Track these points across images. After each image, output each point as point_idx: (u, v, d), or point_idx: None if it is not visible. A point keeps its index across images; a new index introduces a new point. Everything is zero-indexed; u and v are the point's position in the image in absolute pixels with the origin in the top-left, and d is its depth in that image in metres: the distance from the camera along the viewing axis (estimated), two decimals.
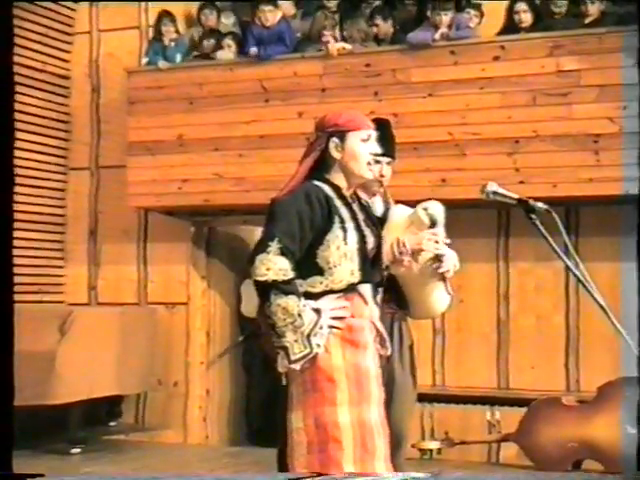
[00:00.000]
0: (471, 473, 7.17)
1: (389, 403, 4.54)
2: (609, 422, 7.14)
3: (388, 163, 4.74)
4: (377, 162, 4.57)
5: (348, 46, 7.89)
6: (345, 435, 3.63)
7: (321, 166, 3.86)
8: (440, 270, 4.44)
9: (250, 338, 8.49)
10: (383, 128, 4.71)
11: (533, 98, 7.40)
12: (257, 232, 9.05)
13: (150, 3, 8.86)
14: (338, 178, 3.87)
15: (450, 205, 4.69)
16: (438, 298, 4.64)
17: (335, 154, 3.84)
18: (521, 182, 7.12)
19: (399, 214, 4.68)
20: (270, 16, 8.11)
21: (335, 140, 3.83)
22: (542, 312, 7.91)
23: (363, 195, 4.57)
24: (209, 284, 8.95)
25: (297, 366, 3.62)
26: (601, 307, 3.62)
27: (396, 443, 4.58)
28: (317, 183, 3.81)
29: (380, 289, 4.00)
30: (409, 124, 7.43)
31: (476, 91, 7.54)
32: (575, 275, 3.76)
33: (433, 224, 4.48)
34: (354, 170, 3.87)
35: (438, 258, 4.42)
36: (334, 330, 3.69)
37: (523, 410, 7.44)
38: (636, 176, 6.75)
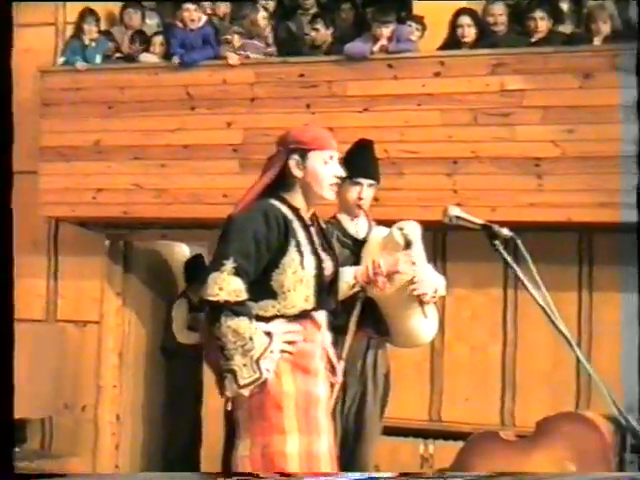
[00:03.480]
0: None
1: (359, 432, 4.90)
2: (548, 458, 6.96)
3: (370, 185, 4.87)
4: (357, 184, 4.82)
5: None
6: (291, 465, 3.60)
7: (279, 184, 3.81)
8: (415, 293, 4.54)
9: (175, 358, 8.41)
10: (365, 149, 5.05)
11: (474, 117, 7.31)
12: (178, 247, 9.07)
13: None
14: (297, 198, 3.82)
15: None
16: (418, 324, 4.71)
17: (296, 172, 3.79)
18: (459, 204, 6.80)
19: (377, 235, 4.82)
20: (195, 16, 7.83)
21: (296, 157, 3.79)
22: (478, 342, 7.79)
23: (345, 217, 4.88)
24: (124, 302, 8.73)
25: (246, 391, 3.58)
26: (565, 338, 3.58)
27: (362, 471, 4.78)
28: (274, 202, 3.75)
29: (332, 316, 3.99)
30: (344, 139, 7.06)
31: (415, 108, 7.42)
32: (539, 304, 3.66)
33: (408, 245, 4.60)
34: (316, 191, 3.81)
35: (412, 280, 4.53)
36: (285, 355, 3.67)
37: (456, 444, 7.26)
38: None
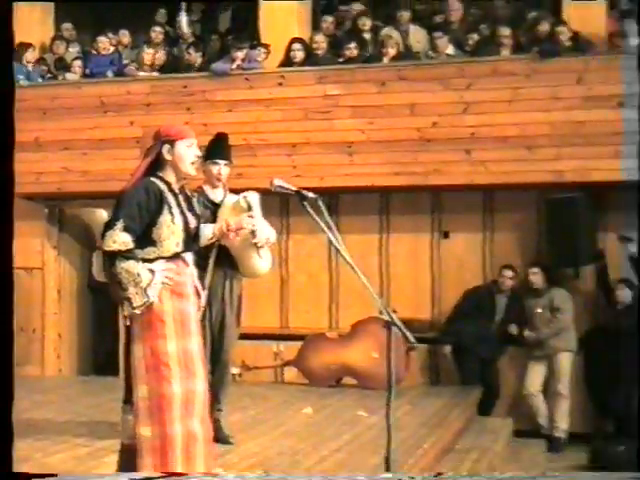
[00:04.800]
0: (263, 390, 8.10)
1: (221, 337, 5.70)
2: (360, 349, 8.32)
3: (225, 165, 5.72)
4: (216, 164, 5.67)
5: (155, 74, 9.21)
6: (172, 360, 4.19)
7: (156, 166, 4.34)
8: (253, 241, 5.47)
9: (98, 292, 9.35)
10: (222, 140, 5.87)
11: (305, 115, 8.68)
12: (98, 213, 10.03)
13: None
14: (169, 175, 4.34)
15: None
16: (256, 262, 5.61)
17: (167, 157, 4.31)
18: (297, 176, 8.19)
19: (229, 201, 5.62)
20: (107, 45, 9.46)
21: (167, 146, 4.30)
22: (312, 272, 9.20)
23: (208, 187, 5.71)
24: (59, 253, 9.97)
25: (138, 311, 4.14)
26: (352, 267, 4.06)
27: (224, 366, 5.76)
28: (153, 179, 4.31)
29: (195, 256, 4.52)
30: (214, 132, 8.31)
31: (264, 108, 8.76)
32: (334, 245, 4.10)
33: (250, 208, 5.46)
34: (181, 169, 4.34)
35: (253, 233, 5.42)
36: (165, 285, 4.23)
37: (299, 343, 8.62)
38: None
